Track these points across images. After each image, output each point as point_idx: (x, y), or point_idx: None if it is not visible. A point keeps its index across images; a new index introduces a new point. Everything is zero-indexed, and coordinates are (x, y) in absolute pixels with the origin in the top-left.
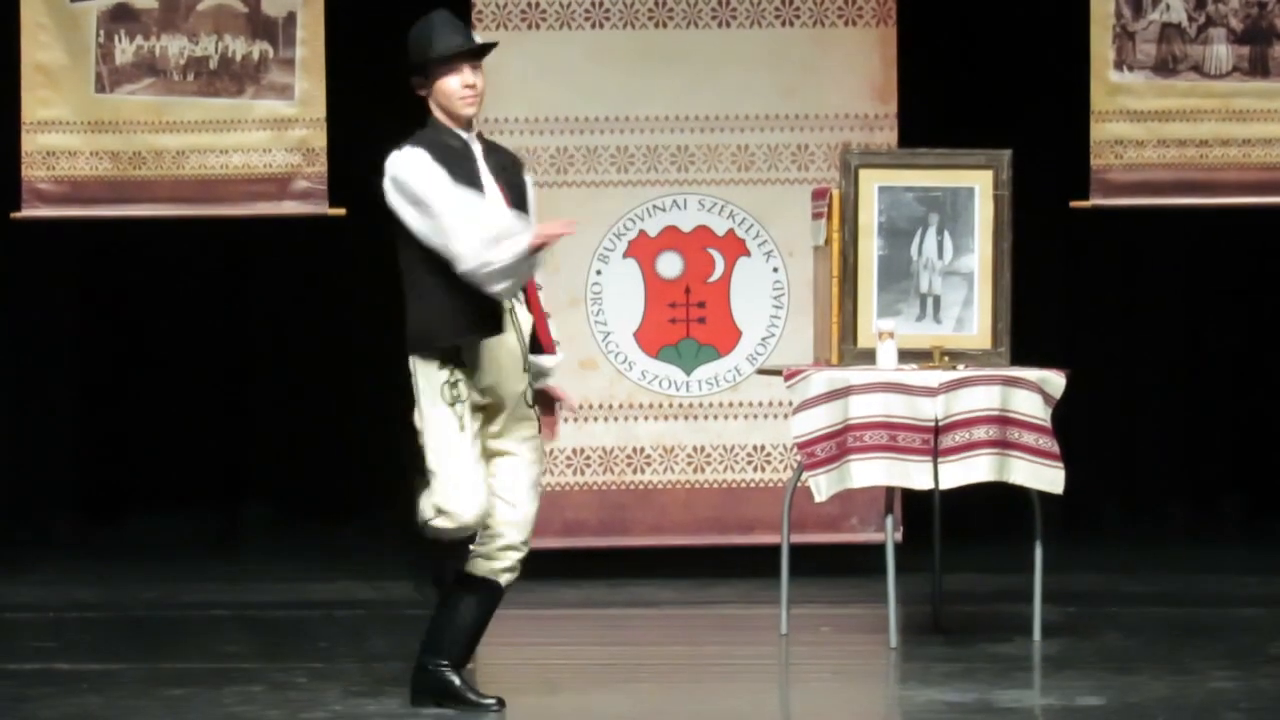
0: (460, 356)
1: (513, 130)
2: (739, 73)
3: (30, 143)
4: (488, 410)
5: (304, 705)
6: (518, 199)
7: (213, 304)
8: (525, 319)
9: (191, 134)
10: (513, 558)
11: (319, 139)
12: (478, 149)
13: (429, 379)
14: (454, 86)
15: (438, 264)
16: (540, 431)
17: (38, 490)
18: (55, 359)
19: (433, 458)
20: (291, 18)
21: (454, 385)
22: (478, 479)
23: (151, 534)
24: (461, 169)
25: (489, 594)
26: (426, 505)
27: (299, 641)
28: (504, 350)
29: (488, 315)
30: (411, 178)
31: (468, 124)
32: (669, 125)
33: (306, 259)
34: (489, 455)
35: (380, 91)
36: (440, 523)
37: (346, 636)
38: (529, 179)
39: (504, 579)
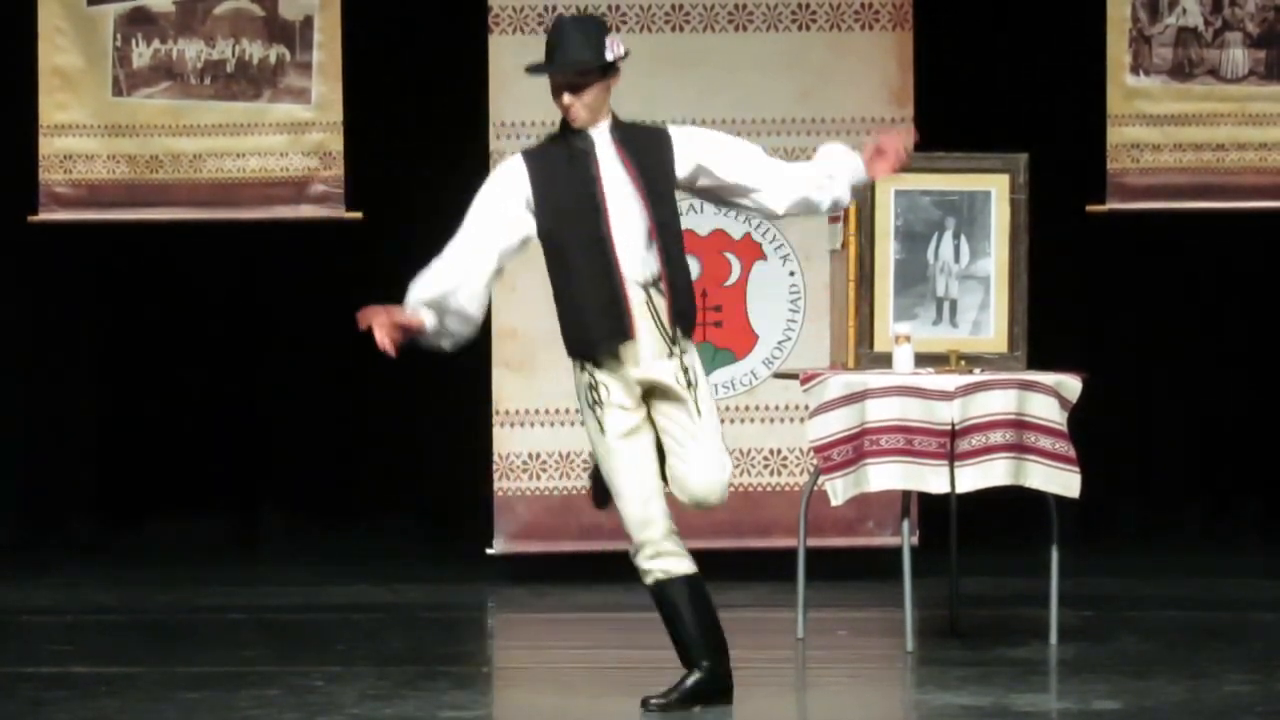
0: (596, 360)
1: (529, 134)
2: (756, 77)
3: (48, 146)
4: (651, 394)
5: (320, 708)
6: (655, 176)
7: (229, 307)
8: (662, 304)
9: (208, 137)
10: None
11: (336, 142)
12: (603, 143)
13: (576, 381)
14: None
15: (559, 271)
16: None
17: (55, 493)
18: (73, 362)
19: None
20: (309, 21)
21: (593, 389)
22: (632, 480)
23: (169, 537)
24: (561, 173)
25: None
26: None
27: (315, 644)
28: (640, 345)
29: (609, 323)
30: None
31: (587, 126)
32: None
33: (323, 262)
34: (664, 434)
35: (397, 95)
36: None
37: (363, 639)
38: (679, 139)
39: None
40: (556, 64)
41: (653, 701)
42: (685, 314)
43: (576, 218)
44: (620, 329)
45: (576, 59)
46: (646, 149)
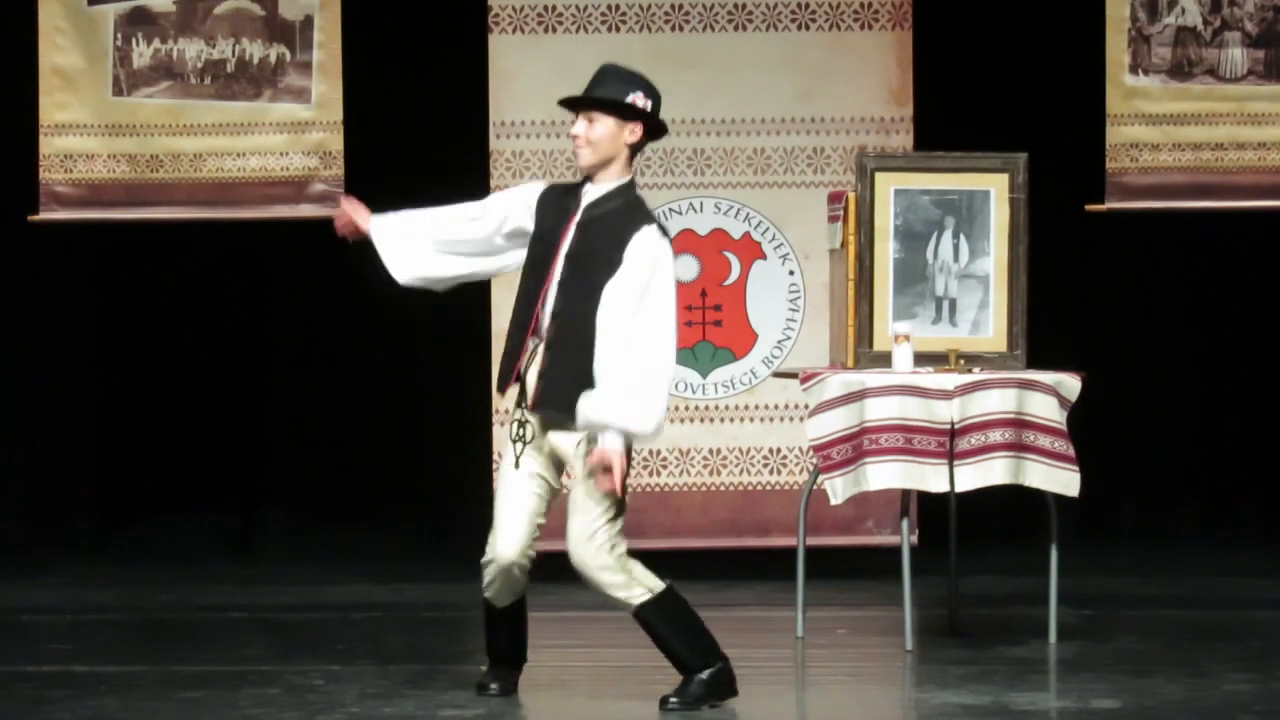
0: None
1: (529, 134)
2: (755, 76)
3: (48, 146)
4: None
5: (321, 707)
6: (588, 267)
7: (229, 307)
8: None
9: (209, 137)
10: None
11: (336, 142)
12: (589, 198)
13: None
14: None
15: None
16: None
17: (55, 493)
18: (72, 362)
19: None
20: (309, 21)
21: (520, 425)
22: (500, 504)
23: (169, 537)
24: (548, 218)
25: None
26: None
27: (316, 644)
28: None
29: (502, 373)
30: None
31: (590, 172)
32: (685, 129)
33: (322, 262)
34: None
35: (397, 95)
36: None
37: (363, 638)
38: (630, 252)
39: None
40: (579, 95)
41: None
42: (547, 403)
43: (532, 267)
44: (505, 381)
45: (593, 92)
46: (607, 233)
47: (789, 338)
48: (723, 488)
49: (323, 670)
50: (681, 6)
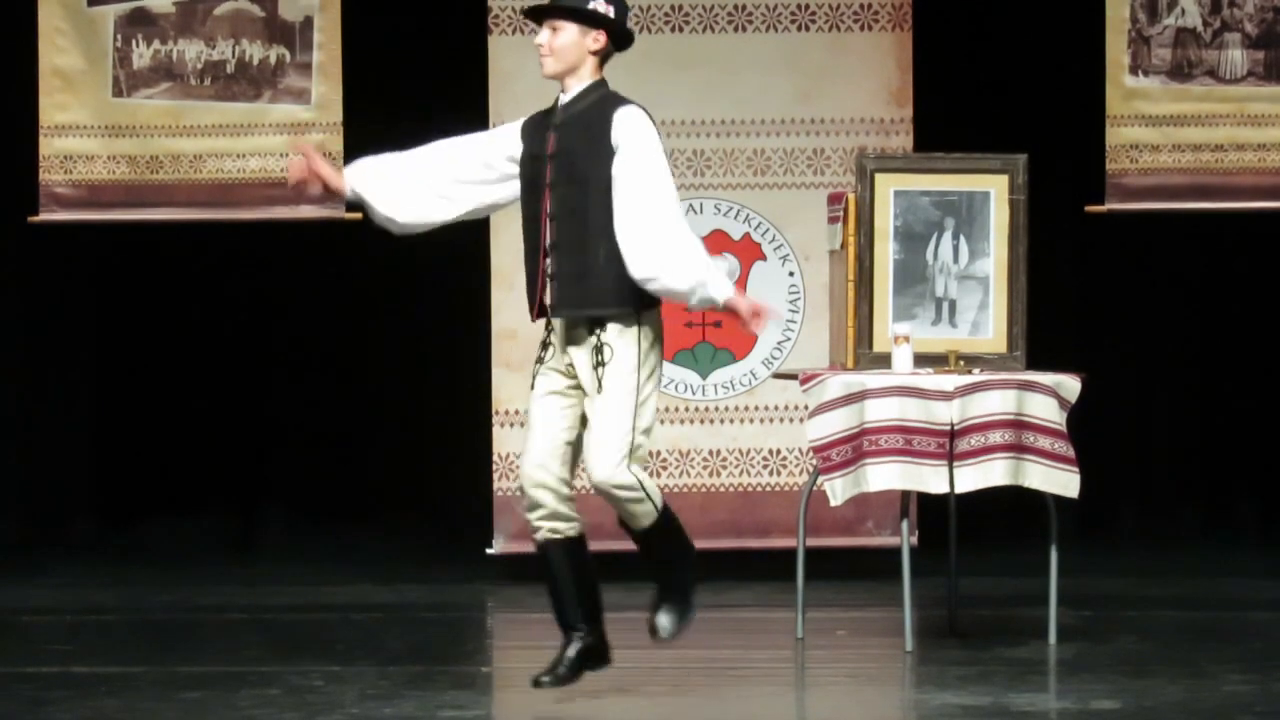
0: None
1: None
2: (755, 77)
3: (48, 147)
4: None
5: (320, 708)
6: (576, 160)
7: (229, 308)
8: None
9: (208, 138)
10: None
11: (336, 143)
12: (562, 103)
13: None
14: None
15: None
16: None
17: (55, 494)
18: (72, 362)
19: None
20: (309, 22)
21: (542, 346)
22: (533, 438)
23: (168, 538)
24: (530, 146)
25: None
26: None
27: (315, 644)
28: (556, 324)
29: (529, 299)
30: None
31: (560, 82)
32: (685, 129)
33: (322, 263)
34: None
35: (397, 95)
36: None
37: (363, 639)
38: (616, 126)
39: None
40: (539, 4)
41: (543, 679)
42: (562, 304)
43: (528, 190)
44: (531, 307)
45: (555, 1)
46: (587, 125)
47: (788, 339)
48: (722, 489)
49: (323, 670)
50: (681, 7)
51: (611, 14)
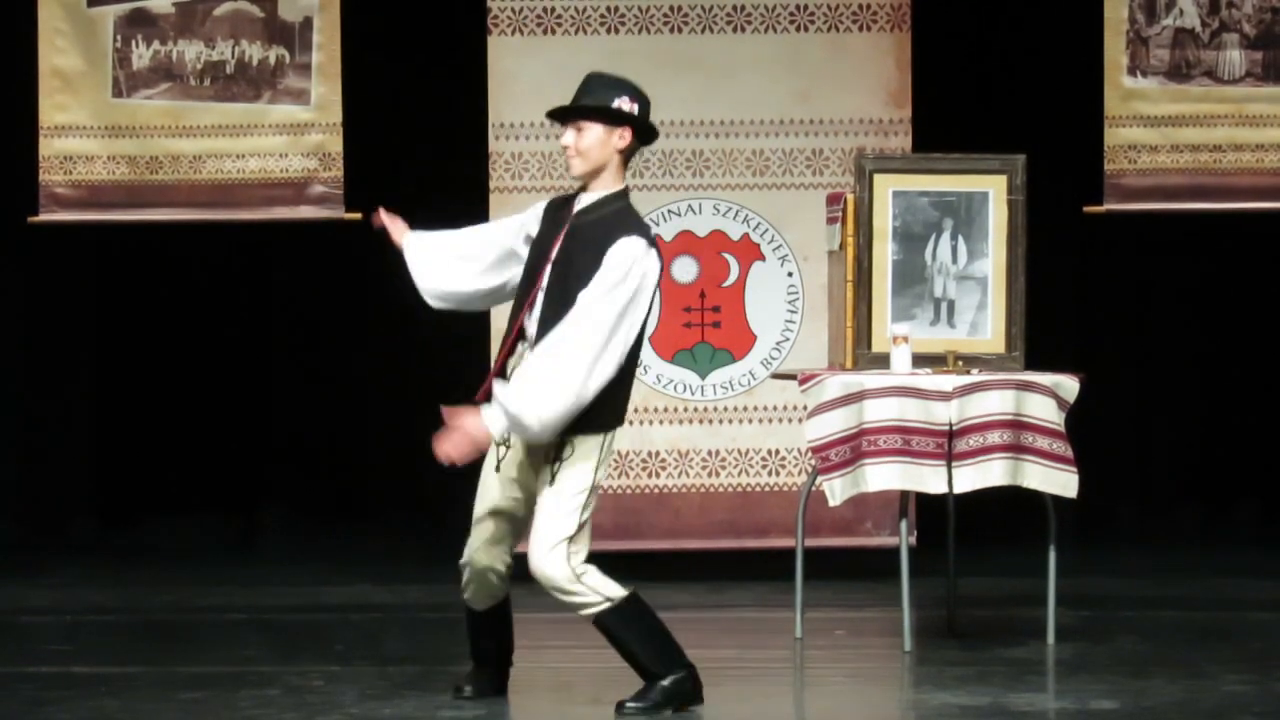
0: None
1: (528, 135)
2: (754, 78)
3: (48, 147)
4: None
5: (320, 708)
6: (571, 281)
7: (229, 308)
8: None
9: (208, 139)
10: None
11: (335, 143)
12: (579, 206)
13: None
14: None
15: None
16: None
17: (55, 494)
18: (72, 363)
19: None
20: (308, 23)
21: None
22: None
23: (168, 538)
24: (542, 233)
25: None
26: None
27: (315, 644)
28: None
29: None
30: None
31: (583, 182)
32: (684, 130)
33: (323, 263)
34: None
35: (397, 95)
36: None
37: (362, 639)
38: (608, 259)
39: None
40: (565, 105)
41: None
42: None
43: (525, 274)
44: (483, 388)
45: (579, 101)
46: (590, 243)
47: (787, 339)
48: (721, 489)
49: (322, 671)
50: (680, 8)
51: (636, 111)
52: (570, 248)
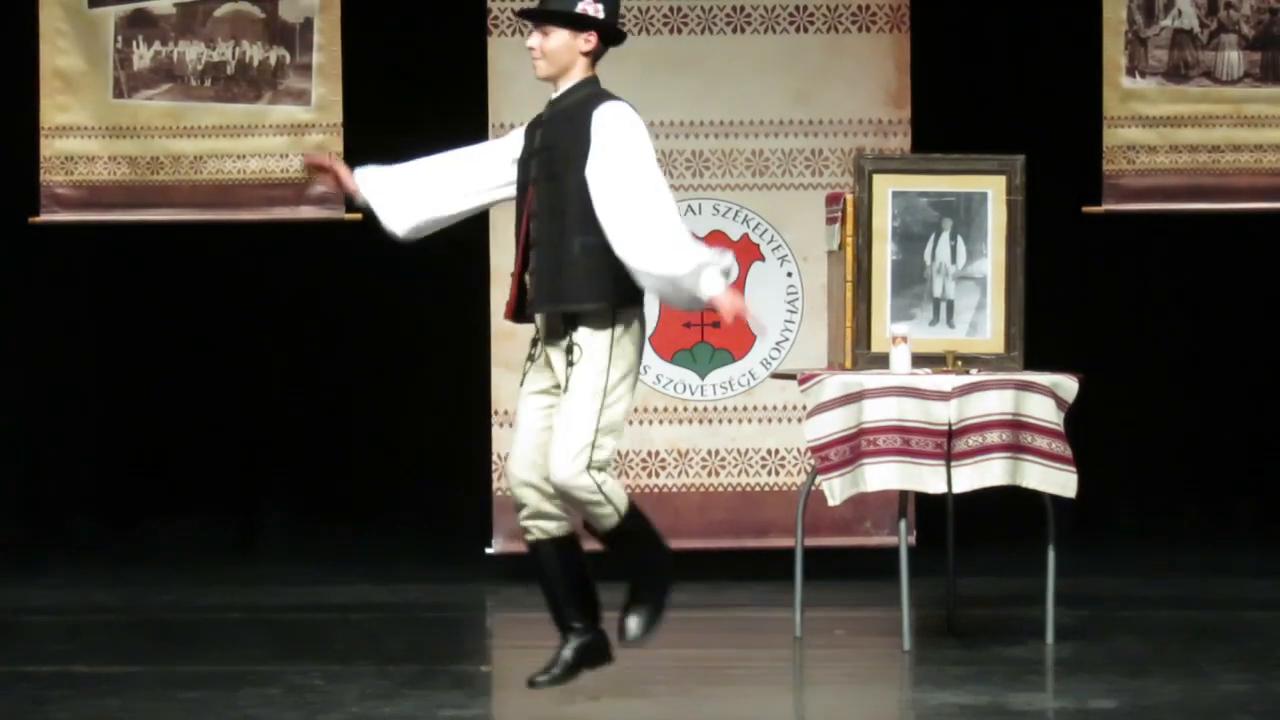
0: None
1: None
2: (753, 78)
3: (49, 148)
4: None
5: (320, 707)
6: (557, 157)
7: (229, 308)
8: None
9: (209, 139)
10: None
11: (335, 144)
12: (549, 114)
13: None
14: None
15: None
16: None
17: (56, 494)
18: (73, 363)
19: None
20: (308, 23)
21: (532, 343)
22: (518, 438)
23: (169, 538)
24: (528, 132)
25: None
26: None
27: (315, 644)
28: (537, 320)
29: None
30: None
31: (550, 81)
32: (684, 130)
33: (323, 263)
34: None
35: (397, 96)
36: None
37: (363, 639)
38: (597, 121)
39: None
40: (529, 8)
41: (539, 679)
42: (535, 301)
43: (519, 188)
44: (508, 304)
45: (549, 3)
46: (568, 121)
47: (787, 339)
48: (721, 489)
49: (323, 670)
50: (680, 9)
51: (601, 14)
52: (549, 134)
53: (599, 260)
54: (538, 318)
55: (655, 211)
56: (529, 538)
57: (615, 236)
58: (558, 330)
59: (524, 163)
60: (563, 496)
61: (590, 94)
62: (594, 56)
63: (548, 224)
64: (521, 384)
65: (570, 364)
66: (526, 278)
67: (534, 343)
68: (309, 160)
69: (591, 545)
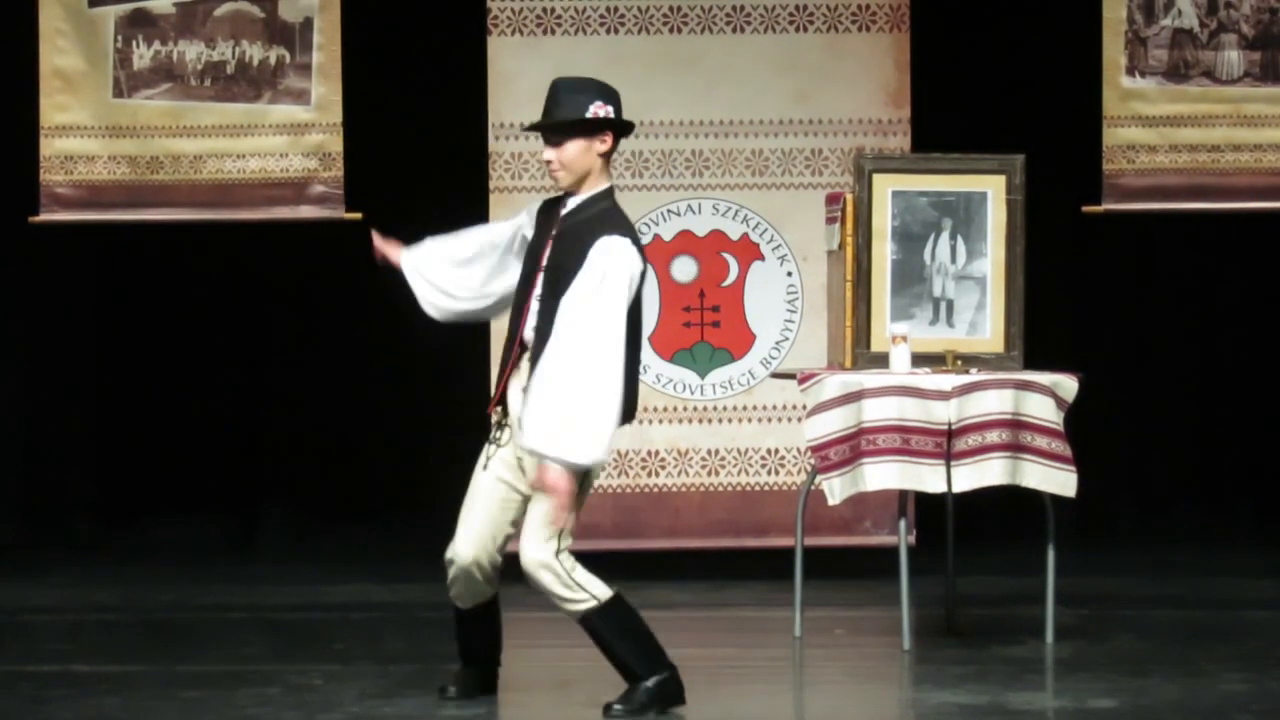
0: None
1: (528, 135)
2: (753, 78)
3: (49, 147)
4: None
5: (320, 707)
6: (560, 281)
7: (229, 308)
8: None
9: (209, 139)
10: None
11: (335, 143)
12: (566, 209)
13: None
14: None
15: None
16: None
17: (56, 493)
18: (72, 362)
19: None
20: (308, 23)
21: (495, 426)
22: (465, 504)
23: (169, 537)
24: (537, 223)
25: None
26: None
27: (315, 643)
28: (512, 418)
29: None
30: None
31: (569, 190)
32: (683, 130)
33: (323, 263)
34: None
35: (397, 95)
36: None
37: (362, 638)
38: (590, 259)
39: None
40: (541, 121)
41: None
42: (530, 429)
43: (520, 280)
44: (492, 397)
45: (554, 116)
46: (575, 246)
47: (787, 339)
48: (721, 488)
49: (322, 670)
50: (680, 8)
51: (611, 113)
52: (558, 251)
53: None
54: (512, 415)
55: (588, 394)
56: (456, 604)
57: (541, 380)
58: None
59: (529, 258)
60: (532, 580)
61: (601, 214)
62: (608, 156)
63: (543, 344)
64: (485, 466)
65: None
66: (515, 382)
67: (499, 427)
68: (379, 253)
69: (594, 547)
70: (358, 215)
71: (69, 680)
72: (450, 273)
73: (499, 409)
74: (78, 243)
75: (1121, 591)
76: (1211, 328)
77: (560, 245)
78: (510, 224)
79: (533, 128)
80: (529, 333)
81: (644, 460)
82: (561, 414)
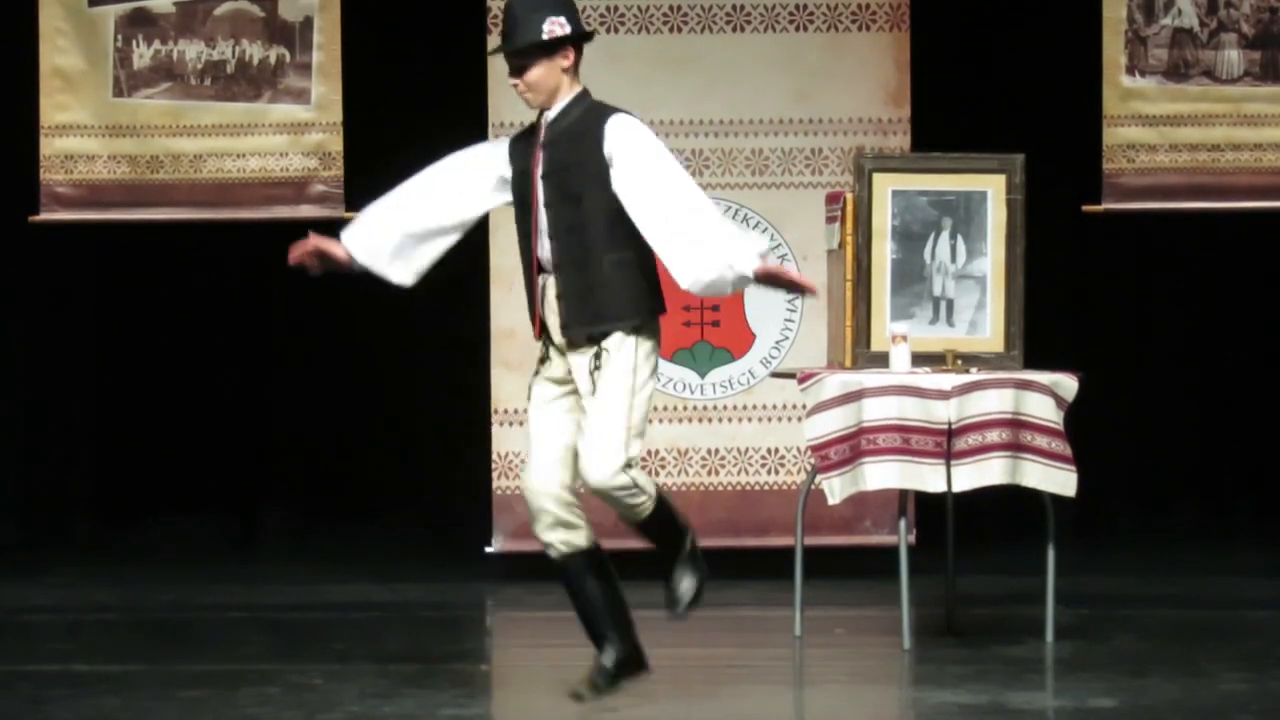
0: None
1: None
2: (753, 77)
3: (49, 147)
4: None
5: (320, 706)
6: (570, 174)
7: (229, 307)
8: (553, 309)
9: (209, 138)
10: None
11: (335, 143)
12: (547, 132)
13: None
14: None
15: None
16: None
17: (56, 493)
18: (73, 362)
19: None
20: (308, 22)
21: (540, 360)
22: (534, 449)
23: (169, 537)
24: (518, 163)
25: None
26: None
27: (315, 643)
28: (555, 337)
29: (530, 314)
30: None
31: (544, 106)
32: (683, 129)
33: None
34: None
35: (397, 95)
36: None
37: (362, 638)
38: (610, 133)
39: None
40: (502, 46)
41: (581, 692)
42: (571, 324)
43: (520, 208)
44: (533, 322)
45: (513, 41)
46: (576, 141)
47: (787, 338)
48: (721, 488)
49: (322, 670)
50: (679, 8)
51: (569, 29)
52: (555, 156)
53: (631, 275)
54: (556, 330)
55: (705, 219)
56: (554, 554)
57: (674, 266)
58: (583, 342)
59: (521, 181)
60: (602, 497)
61: (589, 109)
62: (575, 67)
63: (571, 245)
64: (530, 394)
65: (597, 368)
66: (554, 300)
67: (542, 359)
68: (295, 259)
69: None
70: (358, 214)
71: (69, 680)
72: (406, 241)
73: (545, 343)
74: (78, 242)
75: (1122, 591)
76: (1211, 327)
77: (556, 149)
78: (469, 169)
79: (494, 52)
80: (544, 251)
81: (644, 460)
82: (728, 235)
